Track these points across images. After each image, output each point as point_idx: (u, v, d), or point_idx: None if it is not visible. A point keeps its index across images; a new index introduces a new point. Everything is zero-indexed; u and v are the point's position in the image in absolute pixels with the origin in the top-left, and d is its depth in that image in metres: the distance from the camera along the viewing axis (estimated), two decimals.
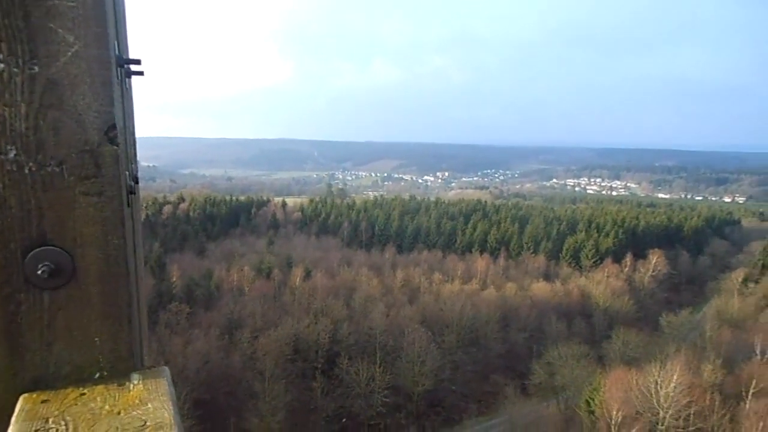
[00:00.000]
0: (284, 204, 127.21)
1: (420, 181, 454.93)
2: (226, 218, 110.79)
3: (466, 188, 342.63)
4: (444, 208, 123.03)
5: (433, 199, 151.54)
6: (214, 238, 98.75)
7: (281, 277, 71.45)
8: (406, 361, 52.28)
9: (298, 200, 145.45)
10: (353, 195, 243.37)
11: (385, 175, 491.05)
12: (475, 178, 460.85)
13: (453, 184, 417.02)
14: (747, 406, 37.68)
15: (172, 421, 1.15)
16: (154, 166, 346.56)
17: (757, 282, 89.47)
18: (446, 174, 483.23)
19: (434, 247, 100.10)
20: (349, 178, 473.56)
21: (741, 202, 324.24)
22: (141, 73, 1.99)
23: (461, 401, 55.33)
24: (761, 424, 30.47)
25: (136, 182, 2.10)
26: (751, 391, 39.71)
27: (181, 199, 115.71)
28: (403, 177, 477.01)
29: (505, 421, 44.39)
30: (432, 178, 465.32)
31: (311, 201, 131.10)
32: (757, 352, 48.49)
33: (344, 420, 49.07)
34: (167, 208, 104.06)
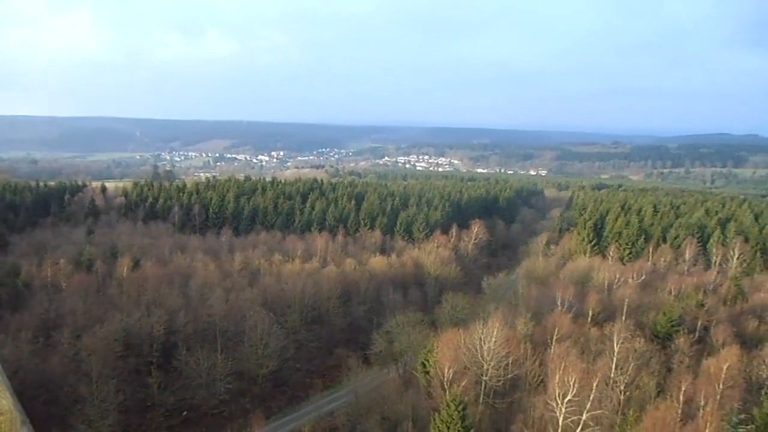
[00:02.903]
0: (104, 189, 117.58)
1: (255, 160, 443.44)
2: (33, 207, 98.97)
3: (302, 167, 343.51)
4: (281, 188, 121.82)
5: (269, 179, 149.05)
6: (19, 230, 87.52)
7: (105, 269, 65.78)
8: (248, 345, 51.51)
9: (121, 184, 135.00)
10: (183, 177, 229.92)
11: (217, 155, 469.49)
12: (311, 157, 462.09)
13: (289, 164, 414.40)
14: (552, 350, 43.82)
15: (12, 408, 1.08)
16: None
17: (556, 244, 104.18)
18: (281, 153, 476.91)
19: (273, 228, 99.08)
20: (178, 159, 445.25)
21: (543, 174, 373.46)
22: None
23: (306, 378, 56.21)
24: (563, 364, 35.66)
25: None
26: (555, 337, 46.25)
27: None
28: (237, 157, 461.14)
29: (349, 392, 45.95)
30: (267, 158, 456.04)
31: (136, 184, 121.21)
32: (558, 303, 56.43)
33: (185, 413, 46.89)
34: None
